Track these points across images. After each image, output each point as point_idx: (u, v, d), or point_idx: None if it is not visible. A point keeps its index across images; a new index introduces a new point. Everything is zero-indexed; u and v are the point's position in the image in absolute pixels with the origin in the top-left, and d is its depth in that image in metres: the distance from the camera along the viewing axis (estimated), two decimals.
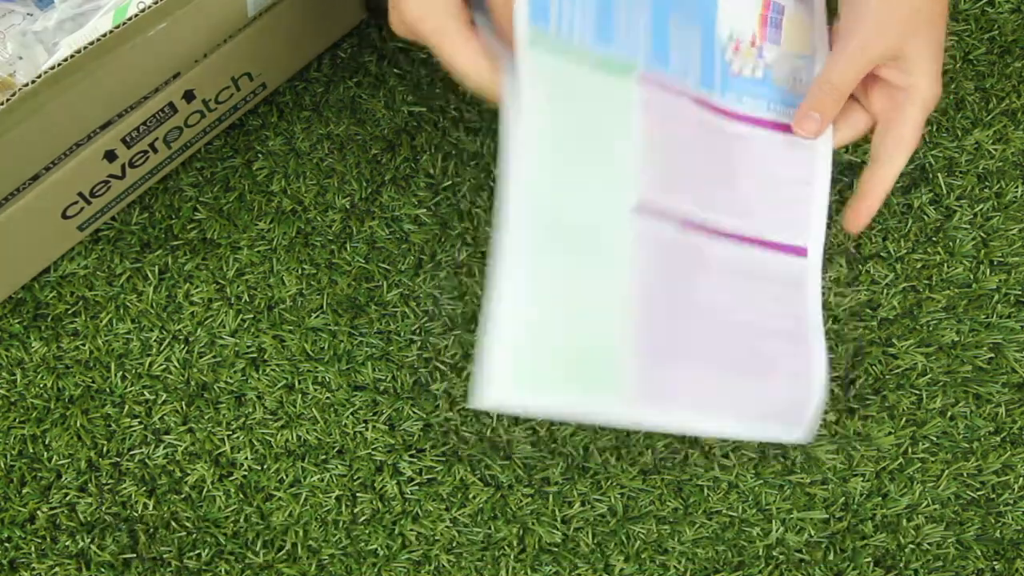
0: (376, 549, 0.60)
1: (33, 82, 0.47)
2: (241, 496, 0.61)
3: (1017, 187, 0.66)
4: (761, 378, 0.53)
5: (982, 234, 0.65)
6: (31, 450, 0.61)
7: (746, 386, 0.53)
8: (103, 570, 0.59)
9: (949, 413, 0.62)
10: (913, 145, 0.53)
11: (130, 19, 0.49)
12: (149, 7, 0.50)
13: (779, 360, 0.54)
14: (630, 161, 0.51)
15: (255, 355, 0.63)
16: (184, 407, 0.62)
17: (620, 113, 0.51)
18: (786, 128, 0.57)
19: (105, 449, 0.61)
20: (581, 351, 0.47)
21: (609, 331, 0.48)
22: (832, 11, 0.56)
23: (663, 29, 0.54)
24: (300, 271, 0.64)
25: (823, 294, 0.59)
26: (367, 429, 0.62)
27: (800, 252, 0.56)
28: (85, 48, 0.48)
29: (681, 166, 0.53)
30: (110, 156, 0.59)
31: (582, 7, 0.51)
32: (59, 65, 0.48)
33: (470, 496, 0.61)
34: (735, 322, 0.53)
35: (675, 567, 0.60)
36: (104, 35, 0.49)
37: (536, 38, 0.48)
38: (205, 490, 0.61)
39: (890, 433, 0.61)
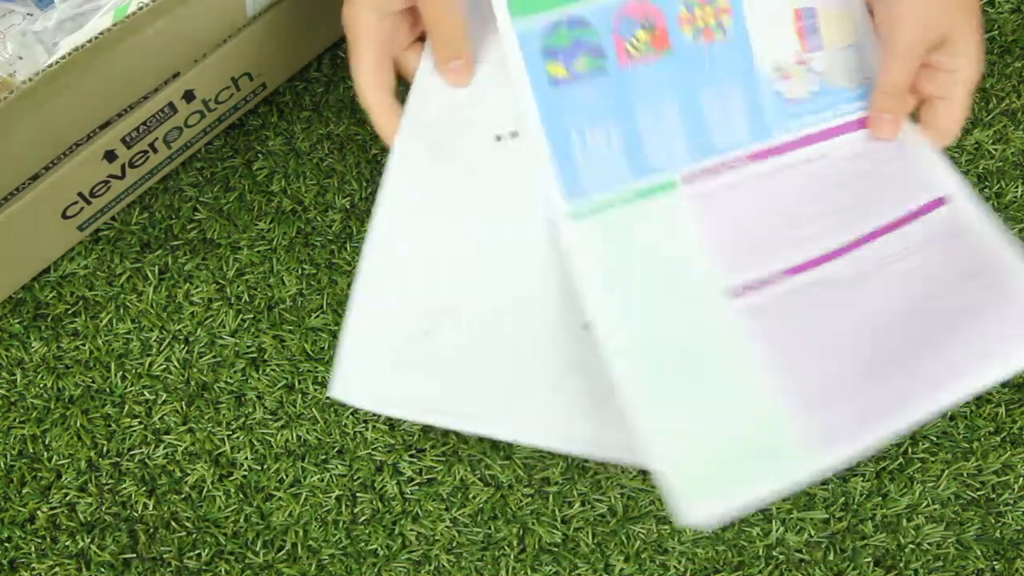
0: (376, 549, 0.60)
1: (31, 80, 0.47)
2: (241, 496, 0.61)
3: (1017, 187, 0.66)
4: (950, 335, 0.52)
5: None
6: (31, 450, 0.61)
7: (951, 346, 0.51)
8: (103, 570, 0.59)
9: (949, 413, 0.62)
10: (963, 120, 0.55)
11: (128, 17, 0.49)
12: (147, 5, 0.50)
13: (963, 307, 0.52)
14: (698, 264, 0.53)
15: (255, 355, 0.63)
16: (184, 407, 0.62)
17: (675, 228, 0.53)
18: (859, 124, 0.57)
19: (105, 449, 0.61)
20: (740, 445, 0.49)
21: (756, 417, 0.50)
22: None
23: (696, 117, 0.55)
24: (300, 271, 0.64)
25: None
26: (367, 429, 0.62)
27: (938, 204, 0.55)
28: (83, 46, 0.48)
29: (755, 231, 0.54)
30: (110, 156, 0.59)
31: (611, 162, 0.53)
32: (57, 63, 0.48)
33: (470, 496, 0.61)
34: (900, 311, 0.52)
35: (675, 567, 0.60)
36: (102, 33, 0.49)
37: (578, 212, 0.52)
38: (205, 490, 0.61)
39: None
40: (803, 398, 0.51)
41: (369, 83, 0.51)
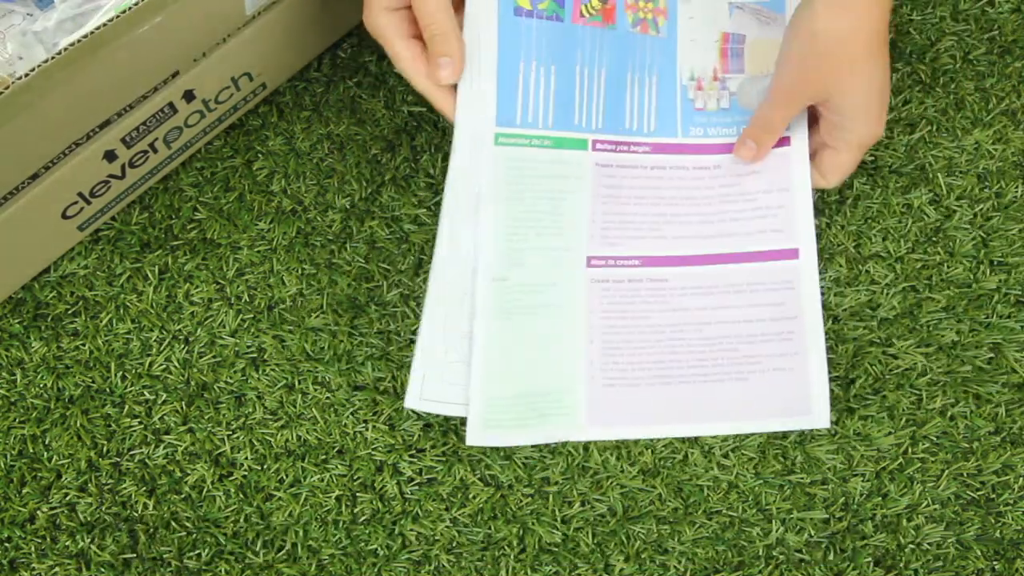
0: (376, 549, 0.60)
1: (27, 75, 0.47)
2: (241, 496, 0.61)
3: (1017, 187, 0.66)
4: (748, 380, 0.59)
5: (982, 234, 0.65)
6: (31, 450, 0.61)
7: (734, 390, 0.59)
8: (103, 570, 0.59)
9: (949, 413, 0.62)
10: (848, 172, 0.59)
11: (124, 12, 0.49)
12: (144, 1, 0.49)
13: (768, 360, 0.59)
14: (581, 224, 0.59)
15: (255, 355, 0.63)
16: (184, 407, 0.62)
17: (574, 183, 0.59)
18: None
19: (105, 449, 0.61)
20: (539, 393, 0.58)
21: (565, 372, 0.59)
22: None
23: (617, 93, 0.61)
24: (300, 271, 0.64)
25: (823, 293, 0.62)
26: (367, 429, 0.62)
27: (791, 255, 0.61)
28: (79, 41, 0.48)
29: (633, 215, 0.60)
30: (110, 156, 0.59)
31: (544, 103, 0.58)
32: (53, 58, 0.48)
33: (470, 496, 0.61)
34: (710, 336, 0.60)
35: (675, 567, 0.60)
36: (98, 28, 0.49)
37: (501, 137, 0.57)
38: (205, 490, 0.61)
39: (890, 433, 0.61)
40: (604, 376, 0.59)
41: (416, 71, 0.56)
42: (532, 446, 0.61)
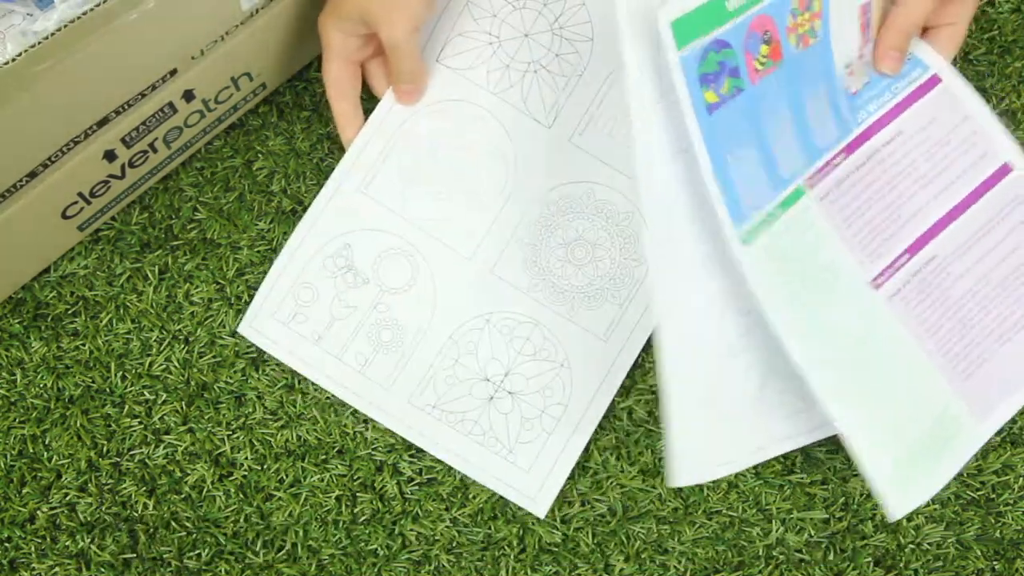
0: (376, 549, 0.60)
1: (14, 60, 0.47)
2: (241, 496, 0.61)
3: None
4: None
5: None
6: (31, 450, 0.61)
7: None
8: (103, 570, 0.59)
9: None
10: (961, 43, 0.59)
11: None
12: None
13: None
14: (843, 260, 0.57)
15: (255, 355, 0.63)
16: (184, 407, 0.62)
17: (814, 232, 0.57)
18: (917, 94, 0.60)
19: (105, 449, 0.61)
20: (922, 432, 0.55)
21: (930, 395, 0.56)
22: None
23: (803, 123, 0.57)
24: None
25: None
26: (367, 429, 0.62)
27: (1005, 171, 0.59)
28: (66, 25, 0.48)
29: (871, 218, 0.58)
30: (109, 156, 0.59)
31: (754, 174, 0.54)
32: (39, 43, 0.47)
33: (470, 496, 0.61)
34: (1005, 277, 0.58)
35: (675, 567, 0.60)
36: (85, 12, 0.48)
37: (746, 236, 0.53)
38: (205, 490, 0.61)
39: None
40: (958, 372, 0.56)
41: (333, 93, 0.60)
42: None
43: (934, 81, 0.60)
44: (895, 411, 0.55)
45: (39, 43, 0.47)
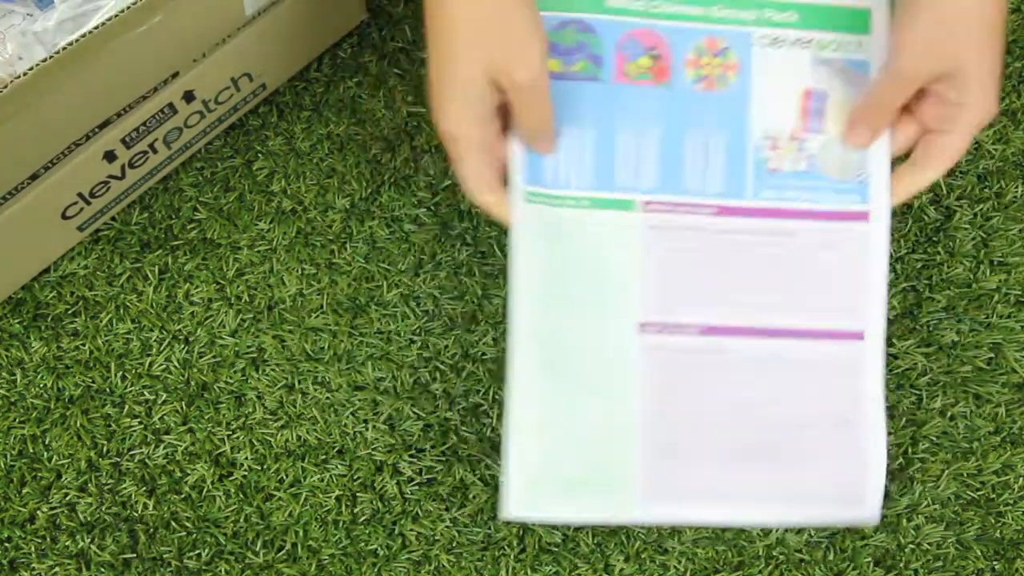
0: (376, 549, 0.60)
1: (26, 74, 0.47)
2: (241, 496, 0.61)
3: (1017, 187, 0.66)
4: (803, 465, 0.55)
5: (982, 234, 0.65)
6: (31, 450, 0.61)
7: (787, 474, 0.56)
8: (103, 570, 0.59)
9: (949, 413, 0.62)
10: (957, 158, 0.52)
11: (123, 12, 0.49)
12: (143, 0, 0.49)
13: (824, 445, 0.56)
14: (631, 288, 0.55)
15: (255, 355, 0.63)
16: (184, 407, 0.62)
17: (619, 245, 0.55)
18: (837, 216, 0.57)
19: (105, 449, 0.61)
20: (591, 468, 0.54)
21: (617, 445, 0.54)
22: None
23: (675, 154, 0.56)
24: (300, 271, 0.64)
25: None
26: (367, 429, 0.62)
27: (856, 336, 0.56)
28: (79, 40, 0.48)
29: (694, 279, 0.56)
30: (110, 157, 0.59)
31: (578, 165, 0.54)
32: (52, 57, 0.48)
33: (470, 496, 0.61)
34: (769, 415, 0.56)
35: (675, 567, 0.60)
36: (97, 26, 0.49)
37: (532, 196, 0.53)
38: (205, 490, 0.61)
39: (890, 433, 0.61)
40: (660, 450, 0.54)
41: (482, 187, 0.51)
42: None
43: (861, 215, 0.57)
44: (577, 428, 0.54)
45: (51, 57, 0.48)
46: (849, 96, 0.57)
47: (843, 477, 0.55)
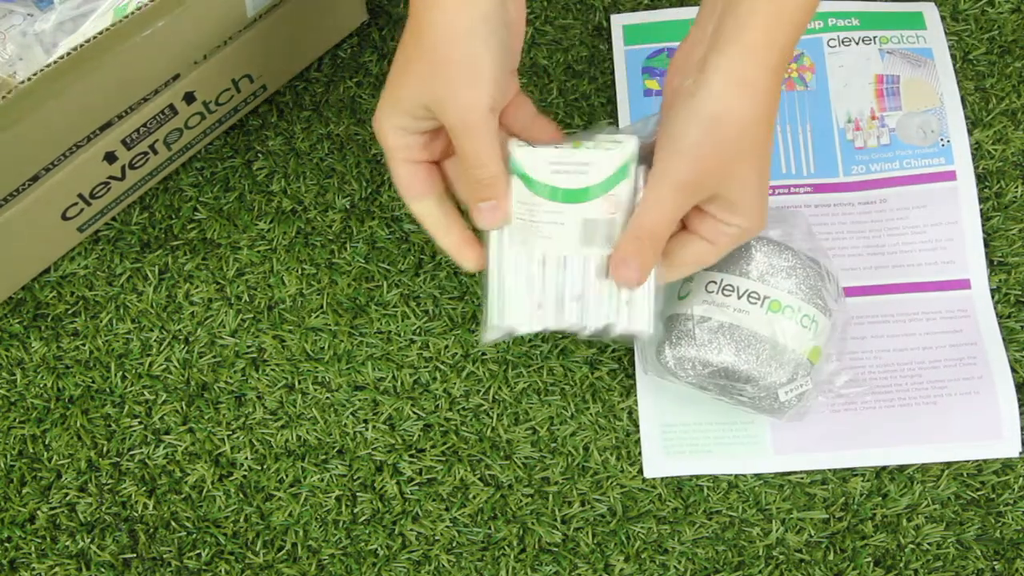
0: (376, 549, 0.60)
1: (30, 79, 0.47)
2: (241, 496, 0.61)
3: (1017, 187, 0.66)
4: (937, 407, 0.60)
5: (982, 234, 0.65)
6: (31, 450, 0.61)
7: (919, 415, 0.60)
8: (103, 570, 0.59)
9: None
10: (707, 265, 0.50)
11: (126, 17, 0.49)
12: (146, 5, 0.50)
13: (955, 384, 0.61)
14: None
15: (255, 355, 0.63)
16: (184, 407, 0.62)
17: None
18: (924, 179, 0.65)
19: (105, 449, 0.61)
20: (720, 422, 0.61)
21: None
22: None
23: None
24: (300, 271, 0.65)
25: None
26: (367, 429, 0.62)
27: (963, 285, 0.63)
28: (81, 46, 0.48)
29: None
30: (110, 158, 0.59)
31: None
32: (55, 63, 0.48)
33: (470, 496, 0.61)
34: (894, 363, 0.61)
35: (675, 567, 0.60)
36: (100, 33, 0.49)
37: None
38: (205, 490, 0.61)
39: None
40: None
41: (406, 195, 0.49)
42: (531, 445, 0.61)
43: (948, 175, 0.64)
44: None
45: (54, 63, 0.48)
46: (916, 75, 0.66)
47: (978, 414, 0.60)
